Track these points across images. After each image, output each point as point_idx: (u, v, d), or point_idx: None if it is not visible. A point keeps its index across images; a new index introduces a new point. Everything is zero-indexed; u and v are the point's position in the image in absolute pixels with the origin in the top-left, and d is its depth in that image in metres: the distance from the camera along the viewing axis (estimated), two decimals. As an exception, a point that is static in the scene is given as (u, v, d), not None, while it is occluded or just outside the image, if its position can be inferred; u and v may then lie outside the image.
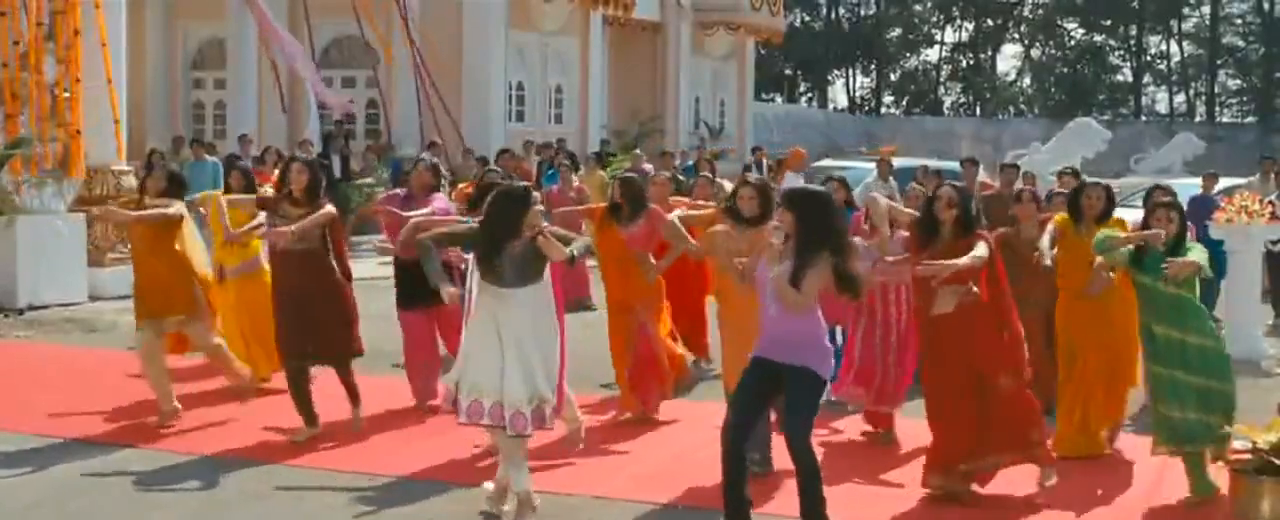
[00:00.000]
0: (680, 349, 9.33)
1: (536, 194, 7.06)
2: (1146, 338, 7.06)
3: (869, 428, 8.54)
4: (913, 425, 8.07)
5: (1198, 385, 6.90)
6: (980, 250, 6.75)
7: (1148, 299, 7.00)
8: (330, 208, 8.31)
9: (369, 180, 22.72)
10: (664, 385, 8.88)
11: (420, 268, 9.00)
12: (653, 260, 8.80)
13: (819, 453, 6.21)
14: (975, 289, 6.88)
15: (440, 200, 9.15)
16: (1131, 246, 7.02)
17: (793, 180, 18.47)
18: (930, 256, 6.82)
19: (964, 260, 6.68)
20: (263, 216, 8.78)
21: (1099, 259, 7.34)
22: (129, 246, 8.91)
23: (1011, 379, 6.87)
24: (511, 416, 6.43)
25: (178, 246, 8.58)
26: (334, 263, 8.35)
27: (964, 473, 6.93)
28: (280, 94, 25.87)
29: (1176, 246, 6.95)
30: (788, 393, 6.04)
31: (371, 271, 13.44)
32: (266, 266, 9.00)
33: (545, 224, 6.61)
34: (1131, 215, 12.17)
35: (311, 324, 8.20)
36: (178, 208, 8.61)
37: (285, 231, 8.02)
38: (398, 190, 9.48)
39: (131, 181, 15.76)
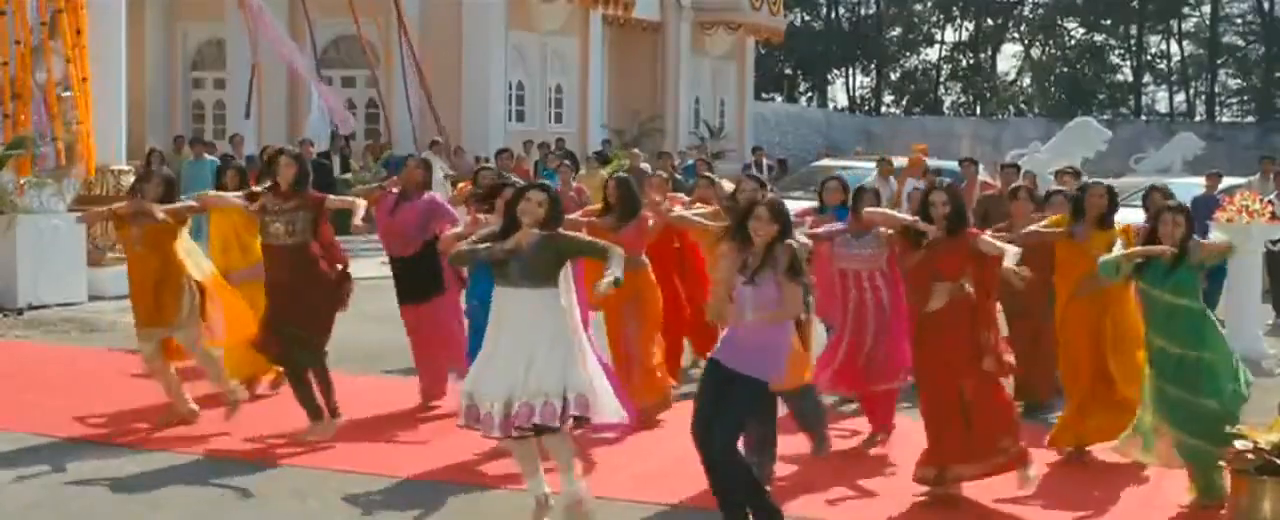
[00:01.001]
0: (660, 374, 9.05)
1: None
2: (1147, 344, 7.07)
3: (866, 431, 8.49)
4: (907, 424, 8.08)
5: (1176, 398, 6.84)
6: (1016, 249, 6.84)
7: (1146, 306, 6.97)
8: (322, 198, 8.28)
9: (347, 177, 22.64)
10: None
11: (412, 265, 9.04)
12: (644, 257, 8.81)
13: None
14: (968, 287, 6.89)
15: (436, 198, 9.15)
16: (1136, 261, 6.95)
17: (913, 186, 16.22)
18: (924, 254, 6.85)
19: (1011, 251, 6.75)
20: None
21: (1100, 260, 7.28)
22: (124, 248, 8.76)
23: (993, 361, 6.81)
24: (522, 410, 6.12)
25: (178, 249, 8.53)
26: (322, 255, 8.28)
27: (952, 476, 6.92)
28: (249, 101, 25.69)
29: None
30: (733, 394, 6.09)
31: (373, 271, 13.43)
32: None
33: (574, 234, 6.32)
34: (1132, 216, 12.18)
35: (295, 306, 8.13)
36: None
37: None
38: (392, 190, 9.39)
39: (131, 181, 15.78)
